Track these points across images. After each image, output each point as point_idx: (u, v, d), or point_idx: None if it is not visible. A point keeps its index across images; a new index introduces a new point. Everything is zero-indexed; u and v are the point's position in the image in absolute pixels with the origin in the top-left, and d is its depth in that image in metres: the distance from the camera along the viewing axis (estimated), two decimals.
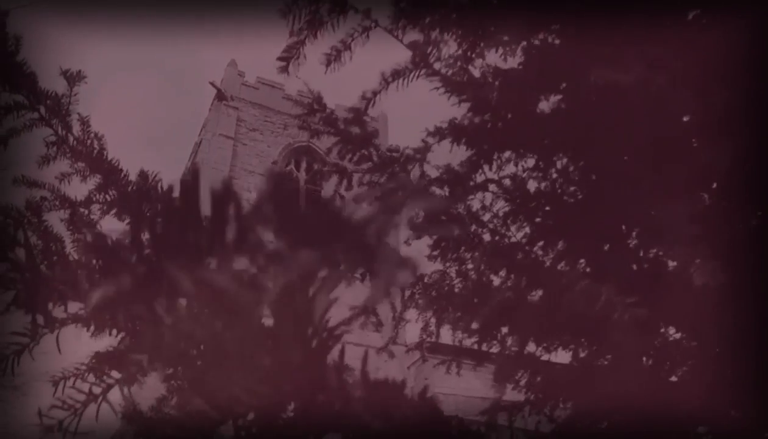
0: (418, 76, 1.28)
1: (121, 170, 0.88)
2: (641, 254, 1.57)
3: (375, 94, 1.26)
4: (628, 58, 1.27)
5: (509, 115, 1.85)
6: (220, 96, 13.35)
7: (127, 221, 0.84)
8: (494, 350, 2.24)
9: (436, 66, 1.34)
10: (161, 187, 0.79)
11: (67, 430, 0.39)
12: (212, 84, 13.39)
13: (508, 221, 1.86)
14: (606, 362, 1.77)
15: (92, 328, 0.54)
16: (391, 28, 1.26)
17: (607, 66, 1.13)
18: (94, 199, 1.05)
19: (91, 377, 0.41)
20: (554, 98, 1.74)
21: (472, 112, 1.31)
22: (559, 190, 1.54)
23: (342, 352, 0.28)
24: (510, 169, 1.90)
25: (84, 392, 0.40)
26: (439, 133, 2.02)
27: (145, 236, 0.34)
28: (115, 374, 0.42)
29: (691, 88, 0.96)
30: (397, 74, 1.24)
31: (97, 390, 0.41)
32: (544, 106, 1.81)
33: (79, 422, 0.39)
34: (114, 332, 0.53)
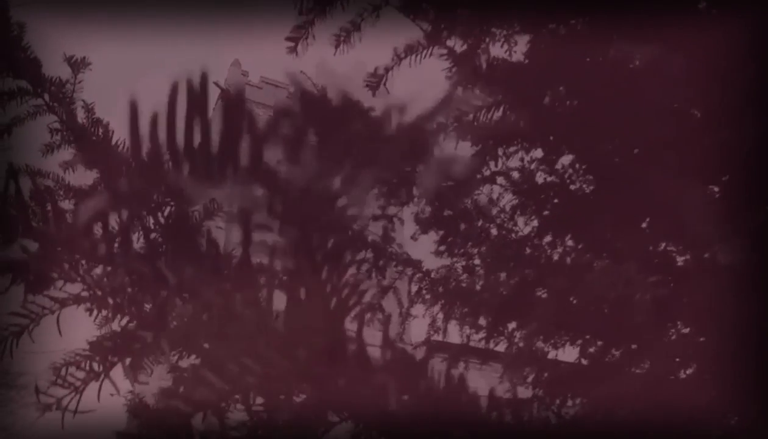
0: (430, 54, 1.25)
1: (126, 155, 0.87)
2: (650, 249, 1.54)
3: (387, 70, 1.24)
4: (644, 37, 1.25)
5: (518, 109, 1.83)
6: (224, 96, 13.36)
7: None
8: (501, 346, 2.22)
9: (449, 43, 1.31)
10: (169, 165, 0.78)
11: (66, 409, 0.37)
12: (216, 84, 13.41)
13: (516, 215, 1.83)
14: (615, 357, 1.75)
15: (95, 311, 0.52)
16: (402, 6, 1.24)
17: (625, 43, 1.11)
18: (99, 188, 1.04)
19: (95, 360, 0.40)
20: (562, 91, 1.72)
21: (484, 94, 1.29)
22: (567, 180, 1.52)
23: (362, 315, 0.26)
24: (516, 162, 1.88)
25: (85, 369, 0.38)
26: (443, 129, 2.00)
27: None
28: (119, 355, 0.40)
29: (707, 70, 0.94)
30: (410, 50, 1.21)
31: (98, 368, 0.39)
32: (552, 100, 1.79)
33: (80, 401, 0.37)
34: (117, 316, 0.51)
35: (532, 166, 1.72)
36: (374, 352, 0.27)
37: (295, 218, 0.22)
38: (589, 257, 0.92)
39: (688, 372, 1.50)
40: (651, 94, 1.28)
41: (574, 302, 1.65)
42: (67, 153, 1.04)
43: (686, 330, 1.57)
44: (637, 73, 1.42)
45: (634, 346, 1.62)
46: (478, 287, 1.94)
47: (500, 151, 1.97)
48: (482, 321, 2.02)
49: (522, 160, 1.93)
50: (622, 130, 1.40)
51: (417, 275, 2.11)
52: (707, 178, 0.82)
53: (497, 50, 2.09)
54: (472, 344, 2.37)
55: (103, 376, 0.39)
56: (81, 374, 0.39)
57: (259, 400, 0.40)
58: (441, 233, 2.21)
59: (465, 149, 2.10)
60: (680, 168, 0.85)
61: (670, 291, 0.74)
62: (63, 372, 0.38)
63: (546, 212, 1.69)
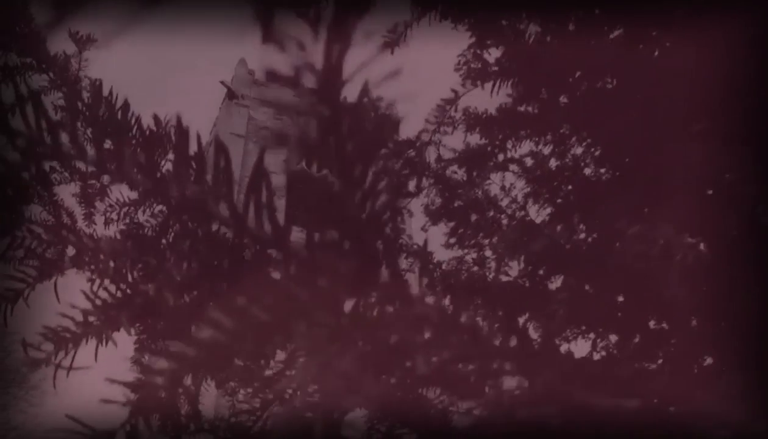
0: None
1: (132, 127, 0.84)
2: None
3: (407, 25, 1.20)
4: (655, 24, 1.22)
5: (528, 99, 1.80)
6: (230, 95, 13.41)
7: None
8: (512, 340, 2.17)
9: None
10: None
11: (59, 366, 0.34)
12: (223, 83, 13.47)
13: (528, 203, 1.80)
14: (629, 351, 1.70)
15: (96, 280, 0.49)
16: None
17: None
18: (106, 168, 1.01)
19: (92, 313, 0.36)
20: (571, 81, 1.69)
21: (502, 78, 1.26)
22: (582, 164, 1.48)
23: (396, 234, 0.23)
24: (526, 149, 1.85)
25: (79, 321, 0.35)
26: (451, 123, 1.98)
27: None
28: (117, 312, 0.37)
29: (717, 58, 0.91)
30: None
31: (96, 322, 0.36)
32: (561, 92, 1.76)
33: (74, 358, 0.34)
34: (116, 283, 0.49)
35: (546, 151, 1.69)
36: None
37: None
38: (618, 227, 0.88)
39: (700, 367, 1.45)
40: (669, 75, 1.24)
41: (590, 291, 1.61)
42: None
43: (697, 322, 1.52)
44: (651, 59, 1.38)
45: (642, 339, 1.58)
46: (489, 279, 1.91)
47: (509, 144, 1.93)
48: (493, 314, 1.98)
49: (532, 151, 1.89)
50: (637, 111, 1.36)
51: (428, 267, 2.08)
52: (741, 139, 0.78)
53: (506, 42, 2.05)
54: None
55: (102, 335, 0.36)
56: (76, 329, 0.35)
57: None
58: (451, 224, 2.18)
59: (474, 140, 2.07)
60: (708, 135, 0.81)
61: (711, 253, 0.69)
62: (56, 327, 0.35)
63: (559, 200, 1.65)
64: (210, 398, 1.32)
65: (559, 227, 1.12)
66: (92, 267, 0.48)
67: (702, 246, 0.68)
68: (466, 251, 2.07)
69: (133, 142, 0.81)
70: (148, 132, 0.63)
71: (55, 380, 0.33)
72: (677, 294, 0.71)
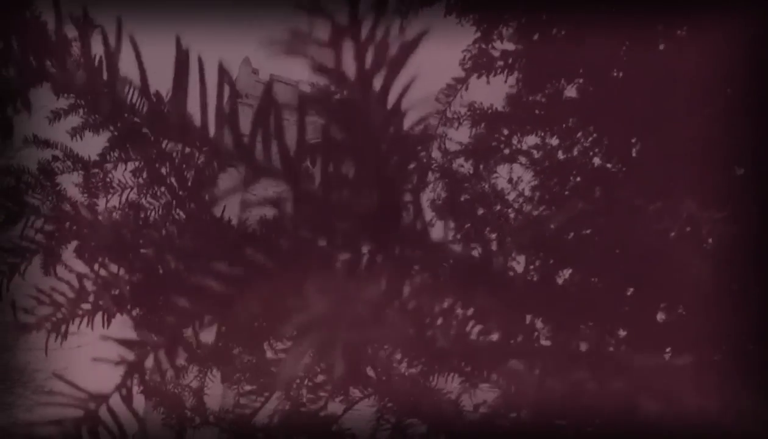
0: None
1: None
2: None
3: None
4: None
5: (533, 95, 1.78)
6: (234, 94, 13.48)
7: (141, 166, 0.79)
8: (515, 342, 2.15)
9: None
10: None
11: (52, 332, 0.31)
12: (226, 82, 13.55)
13: (535, 197, 1.77)
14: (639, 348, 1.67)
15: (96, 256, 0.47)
16: None
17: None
18: (108, 157, 1.00)
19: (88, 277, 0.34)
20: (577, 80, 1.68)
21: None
22: (590, 154, 1.46)
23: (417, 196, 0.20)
24: (533, 141, 1.83)
25: (73, 285, 0.33)
26: (457, 119, 1.95)
27: None
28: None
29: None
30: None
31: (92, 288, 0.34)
32: (567, 86, 1.74)
33: (68, 325, 0.32)
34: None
35: (554, 142, 1.66)
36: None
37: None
38: (638, 203, 0.84)
39: (703, 365, 1.41)
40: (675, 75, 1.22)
41: (599, 284, 1.58)
42: (74, 119, 1.00)
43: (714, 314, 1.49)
44: (656, 55, 1.36)
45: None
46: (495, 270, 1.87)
47: (515, 139, 1.91)
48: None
49: (538, 144, 1.87)
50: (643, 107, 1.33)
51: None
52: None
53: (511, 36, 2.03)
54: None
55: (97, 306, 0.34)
56: (72, 294, 0.33)
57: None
58: (458, 219, 2.15)
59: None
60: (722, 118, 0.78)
61: (740, 230, 0.66)
62: (50, 290, 0.33)
63: (567, 192, 1.62)
64: (216, 391, 1.30)
65: (580, 204, 1.09)
66: (92, 243, 0.46)
67: (725, 225, 0.66)
68: (473, 246, 2.04)
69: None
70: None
71: (47, 345, 0.31)
72: (701, 274, 0.67)
